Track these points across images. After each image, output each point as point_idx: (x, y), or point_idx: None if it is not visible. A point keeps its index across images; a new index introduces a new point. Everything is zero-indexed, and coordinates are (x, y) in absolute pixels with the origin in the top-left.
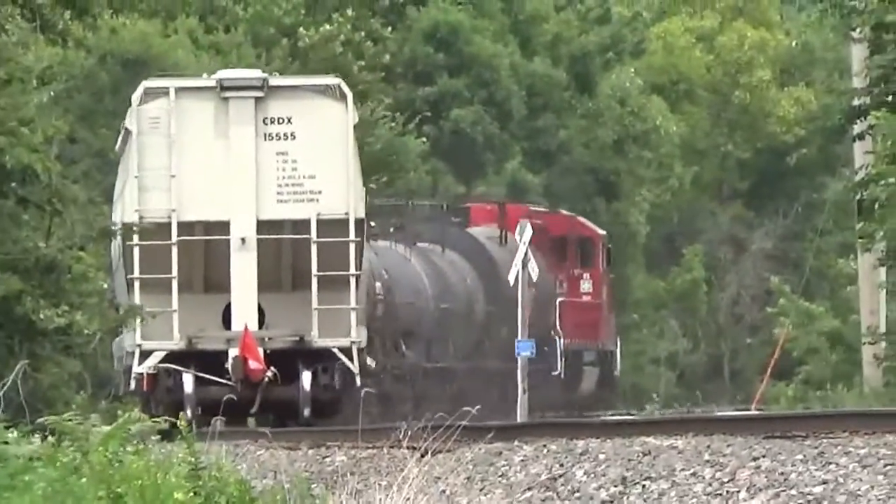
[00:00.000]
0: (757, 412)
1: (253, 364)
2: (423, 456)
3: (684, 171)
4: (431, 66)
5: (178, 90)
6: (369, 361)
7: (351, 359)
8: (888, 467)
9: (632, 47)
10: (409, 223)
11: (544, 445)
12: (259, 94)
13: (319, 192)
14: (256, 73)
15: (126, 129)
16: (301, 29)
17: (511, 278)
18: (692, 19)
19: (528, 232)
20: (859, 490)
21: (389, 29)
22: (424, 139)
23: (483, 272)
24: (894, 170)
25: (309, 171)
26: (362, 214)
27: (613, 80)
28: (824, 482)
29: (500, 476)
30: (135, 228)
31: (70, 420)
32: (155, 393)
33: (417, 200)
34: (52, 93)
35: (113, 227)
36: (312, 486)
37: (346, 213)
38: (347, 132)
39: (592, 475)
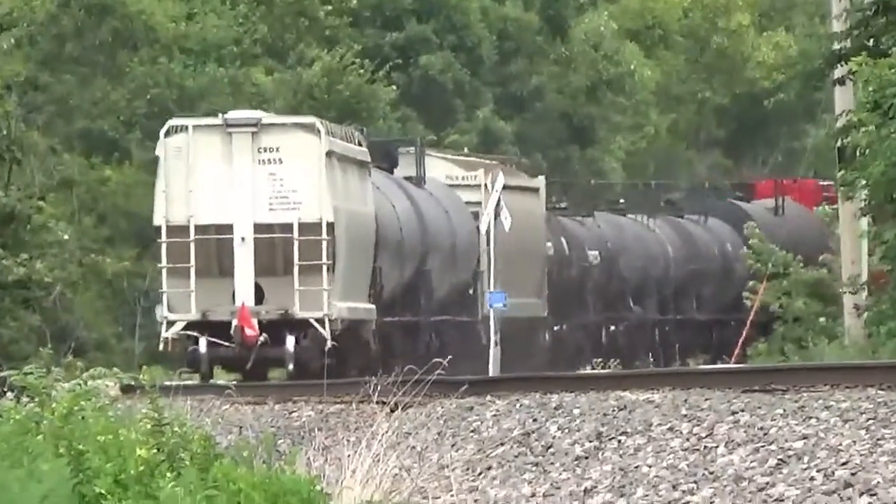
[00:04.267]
0: (735, 366)
1: (248, 331)
2: (392, 411)
3: (660, 118)
4: (399, 11)
5: (195, 127)
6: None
7: (324, 327)
8: (870, 421)
9: None
10: (658, 197)
11: (517, 400)
12: (255, 129)
13: (300, 203)
14: (255, 114)
15: (156, 155)
16: None
17: (482, 228)
18: None
19: (501, 181)
20: (840, 445)
21: None
22: (394, 86)
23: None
24: (875, 117)
25: (292, 187)
26: (331, 219)
27: (587, 25)
28: (805, 437)
29: (471, 431)
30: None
31: (31, 374)
32: (176, 353)
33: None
34: (12, 39)
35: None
36: (279, 441)
37: (320, 219)
38: (321, 157)
39: (567, 430)
